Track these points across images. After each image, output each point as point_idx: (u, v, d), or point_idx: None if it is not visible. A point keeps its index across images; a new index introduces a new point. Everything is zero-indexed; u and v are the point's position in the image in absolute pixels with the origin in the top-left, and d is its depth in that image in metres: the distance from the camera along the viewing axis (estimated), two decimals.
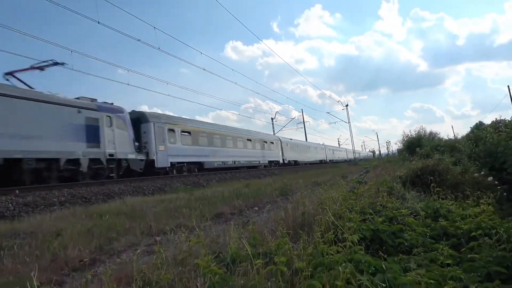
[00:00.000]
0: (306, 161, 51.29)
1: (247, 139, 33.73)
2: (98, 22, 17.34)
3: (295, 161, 46.79)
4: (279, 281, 2.38)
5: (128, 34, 38.42)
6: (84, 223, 6.73)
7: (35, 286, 2.31)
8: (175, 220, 6.91)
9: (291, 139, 48.67)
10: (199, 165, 25.26)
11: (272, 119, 56.87)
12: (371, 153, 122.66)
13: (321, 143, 66.19)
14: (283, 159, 42.20)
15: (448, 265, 2.78)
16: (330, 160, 64.86)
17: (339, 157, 74.70)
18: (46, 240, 5.42)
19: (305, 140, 59.16)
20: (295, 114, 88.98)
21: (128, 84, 28.65)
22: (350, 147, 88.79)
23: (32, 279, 2.37)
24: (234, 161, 30.05)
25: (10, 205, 9.98)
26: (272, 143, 40.36)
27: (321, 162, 58.52)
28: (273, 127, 55.61)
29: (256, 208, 8.68)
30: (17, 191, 11.74)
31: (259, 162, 35.30)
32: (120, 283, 3.20)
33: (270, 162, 38.13)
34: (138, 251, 4.05)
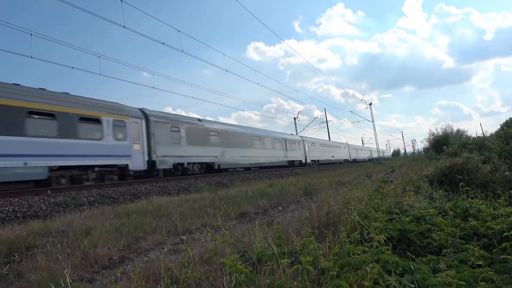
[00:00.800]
0: (240, 162, 27.55)
1: None
2: (124, 27, 17.47)
3: (208, 164, 23.74)
4: (305, 281, 2.38)
5: (153, 37, 38.89)
6: (112, 222, 6.91)
7: (67, 283, 2.39)
8: (200, 219, 7.00)
9: (199, 120, 24.69)
10: None
11: (294, 118, 56.37)
12: (390, 152, 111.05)
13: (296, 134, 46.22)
14: (148, 160, 18.62)
15: (480, 266, 2.71)
16: (314, 161, 43.70)
17: (333, 157, 52.52)
18: (77, 239, 5.60)
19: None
20: (318, 113, 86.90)
21: (153, 88, 28.94)
22: (354, 143, 75.32)
23: (65, 276, 2.46)
24: None
25: (43, 205, 10.36)
26: (97, 120, 16.03)
27: (294, 164, 38.07)
28: (295, 127, 55.03)
29: (280, 208, 8.68)
30: (49, 192, 12.16)
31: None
32: (148, 281, 3.28)
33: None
34: (165, 249, 4.14)
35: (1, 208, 9.43)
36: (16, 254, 5.04)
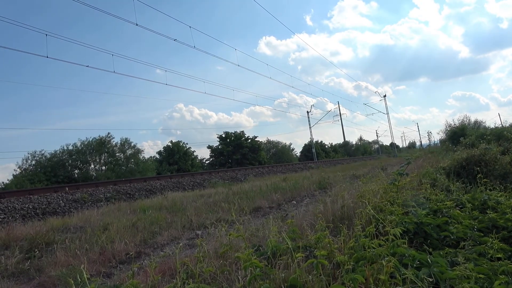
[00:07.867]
0: None
1: None
2: (137, 24, 17.65)
3: None
4: (320, 275, 2.37)
5: (165, 34, 39.24)
6: (129, 217, 7.02)
7: (85, 278, 2.43)
8: (215, 214, 7.04)
9: None
10: None
11: (307, 112, 55.68)
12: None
13: None
14: None
15: (499, 259, 2.65)
16: None
17: None
18: (95, 234, 5.71)
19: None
20: (331, 106, 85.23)
21: (166, 84, 29.13)
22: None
23: (82, 271, 2.51)
24: None
25: (61, 201, 10.58)
26: None
27: None
28: (309, 121, 54.46)
29: (294, 202, 8.67)
30: (67, 189, 12.41)
31: None
32: (164, 275, 3.32)
33: None
34: (180, 244, 4.19)
35: (21, 206, 9.67)
36: (36, 250, 5.17)
